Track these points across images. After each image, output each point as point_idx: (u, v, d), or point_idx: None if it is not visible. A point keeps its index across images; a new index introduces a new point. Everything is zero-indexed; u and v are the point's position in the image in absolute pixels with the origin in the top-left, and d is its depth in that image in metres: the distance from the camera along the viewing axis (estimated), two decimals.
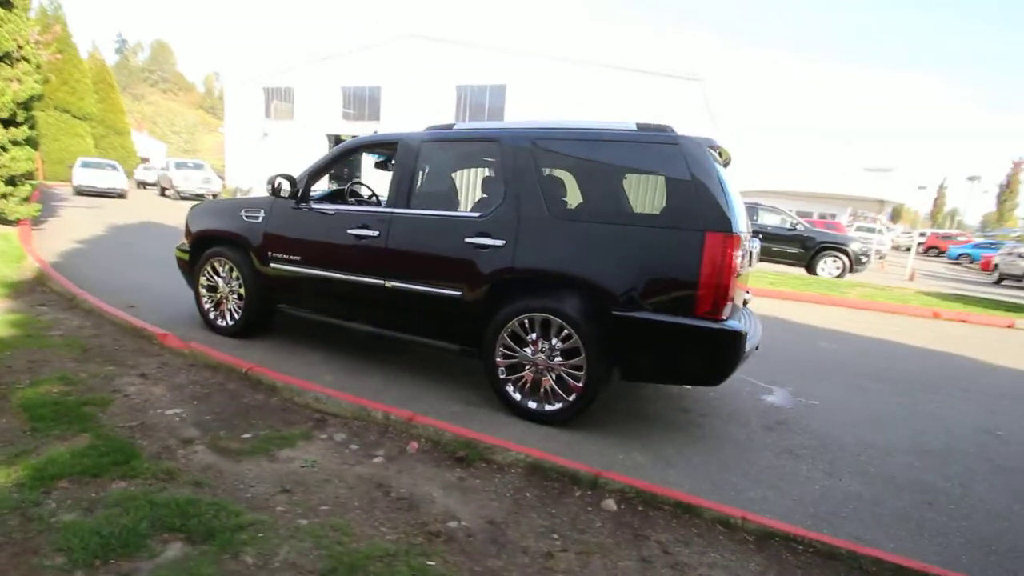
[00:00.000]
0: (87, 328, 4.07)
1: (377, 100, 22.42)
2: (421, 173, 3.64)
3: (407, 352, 4.24)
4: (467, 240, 3.22)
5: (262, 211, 4.08)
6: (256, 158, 25.61)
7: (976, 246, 26.74)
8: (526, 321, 3.10)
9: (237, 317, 4.26)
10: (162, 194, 21.45)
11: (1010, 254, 15.56)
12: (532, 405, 3.14)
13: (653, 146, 2.93)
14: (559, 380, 3.07)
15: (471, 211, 3.31)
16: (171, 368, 3.40)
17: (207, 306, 4.43)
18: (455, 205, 3.52)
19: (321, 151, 25.18)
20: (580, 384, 2.99)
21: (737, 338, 2.69)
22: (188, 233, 4.53)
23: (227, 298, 4.31)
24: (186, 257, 4.52)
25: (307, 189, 3.94)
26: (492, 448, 2.56)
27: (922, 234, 33.16)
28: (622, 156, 3.05)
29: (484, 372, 3.29)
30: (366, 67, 22.73)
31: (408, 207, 3.50)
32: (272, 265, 3.98)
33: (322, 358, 3.99)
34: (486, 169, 3.56)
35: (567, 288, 3.02)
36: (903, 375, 4.85)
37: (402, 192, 3.53)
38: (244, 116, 27.11)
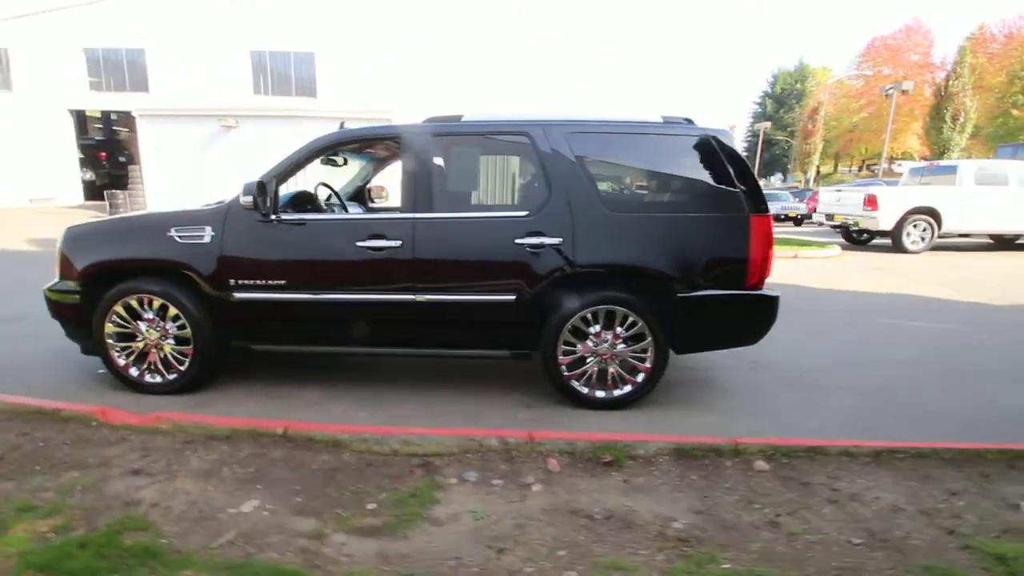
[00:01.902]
0: None
1: (141, 66, 17.88)
2: (440, 172, 3.28)
3: (404, 367, 3.87)
4: (518, 241, 3.07)
5: (208, 228, 3.20)
6: None
7: None
8: (588, 315, 3.15)
9: (181, 367, 3.33)
10: None
11: None
12: (600, 394, 3.24)
13: (687, 139, 3.18)
14: (623, 365, 3.22)
15: (516, 210, 3.14)
16: (164, 452, 2.56)
17: (123, 361, 3.35)
18: (485, 204, 3.27)
19: (62, 130, 19.46)
20: (648, 365, 3.19)
21: (775, 301, 3.19)
22: (68, 267, 3.30)
23: (158, 346, 3.32)
24: (72, 300, 3.31)
25: (277, 198, 3.21)
26: (632, 445, 2.62)
27: None
28: (659, 148, 3.23)
29: (544, 371, 3.25)
30: (121, 24, 17.81)
31: (432, 211, 3.14)
32: (239, 295, 3.19)
33: (321, 394, 3.41)
34: (512, 164, 3.38)
35: (630, 278, 3.14)
36: None
37: (421, 194, 3.15)
38: None
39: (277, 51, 17.11)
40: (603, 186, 3.19)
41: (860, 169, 49.83)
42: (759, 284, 3.15)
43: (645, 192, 3.25)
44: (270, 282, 3.18)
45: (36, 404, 2.93)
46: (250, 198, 3.00)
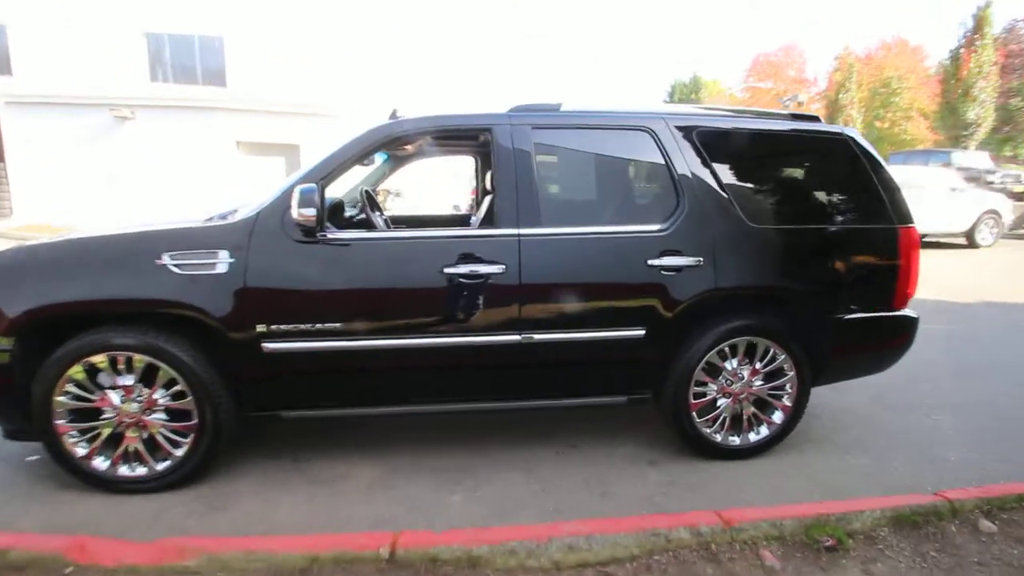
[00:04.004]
0: None
1: (1, 44, 14.58)
2: (545, 175, 2.54)
3: (451, 422, 3.08)
4: (651, 263, 2.45)
5: (223, 253, 2.24)
6: None
7: None
8: (726, 349, 2.61)
9: (178, 451, 2.33)
10: None
11: None
12: (735, 441, 2.71)
13: (822, 138, 2.74)
14: (757, 404, 2.72)
15: (645, 223, 2.50)
16: None
17: (82, 449, 2.28)
18: (601, 216, 2.59)
19: None
20: (788, 403, 2.71)
21: (916, 323, 2.85)
22: None
23: (141, 424, 2.30)
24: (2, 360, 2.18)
25: (324, 209, 2.32)
26: (845, 518, 2.09)
27: None
28: (793, 148, 2.75)
29: (668, 419, 2.67)
30: None
31: (540, 225, 2.43)
32: (272, 345, 2.27)
33: (380, 470, 2.56)
34: (627, 166, 2.72)
35: (775, 302, 2.65)
36: None
37: (526, 203, 2.42)
38: None
39: (179, 34, 14.82)
40: (739, 193, 2.66)
41: None
42: (904, 303, 2.79)
43: (784, 200, 2.76)
44: (319, 326, 2.29)
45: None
46: (312, 211, 2.11)
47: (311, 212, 2.11)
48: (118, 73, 13.70)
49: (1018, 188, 13.95)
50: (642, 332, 2.49)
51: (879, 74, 33.88)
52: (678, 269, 2.47)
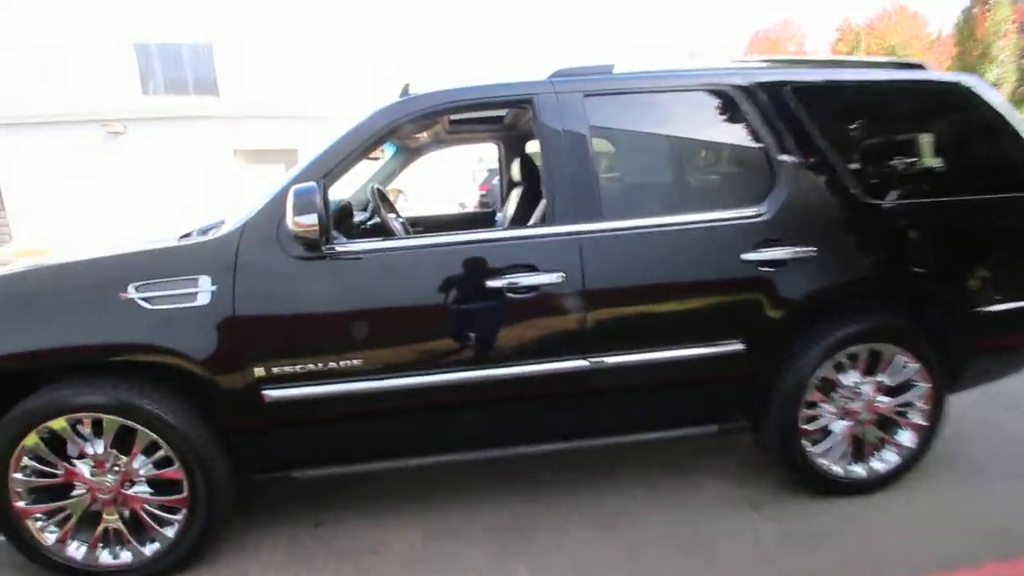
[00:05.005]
0: None
1: None
2: (604, 156, 2.02)
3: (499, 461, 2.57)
4: (747, 257, 1.93)
5: (204, 279, 1.74)
6: None
7: None
8: (843, 359, 2.08)
9: (168, 531, 1.85)
10: None
11: None
12: (859, 472, 2.17)
13: (939, 89, 2.19)
14: (882, 425, 2.19)
15: (734, 207, 1.98)
16: None
17: (52, 535, 1.82)
18: (679, 202, 2.06)
19: None
20: (924, 421, 2.17)
21: None
22: None
23: (119, 500, 1.82)
24: None
25: (330, 216, 1.81)
26: None
27: None
28: (905, 104, 2.19)
29: (773, 449, 2.15)
30: None
31: (604, 218, 1.91)
32: (275, 392, 1.77)
33: (419, 533, 2.06)
34: (701, 137, 2.19)
35: (904, 298, 2.12)
36: None
37: (584, 192, 1.90)
38: None
39: (167, 43, 14.35)
40: (847, 162, 2.10)
41: None
42: None
43: (904, 169, 2.22)
44: (333, 364, 1.79)
45: None
46: (314, 218, 1.60)
47: (312, 220, 1.61)
48: (109, 87, 13.27)
49: None
50: (740, 346, 1.96)
51: (883, 42, 32.91)
52: (781, 263, 1.94)
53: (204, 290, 1.74)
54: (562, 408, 2.01)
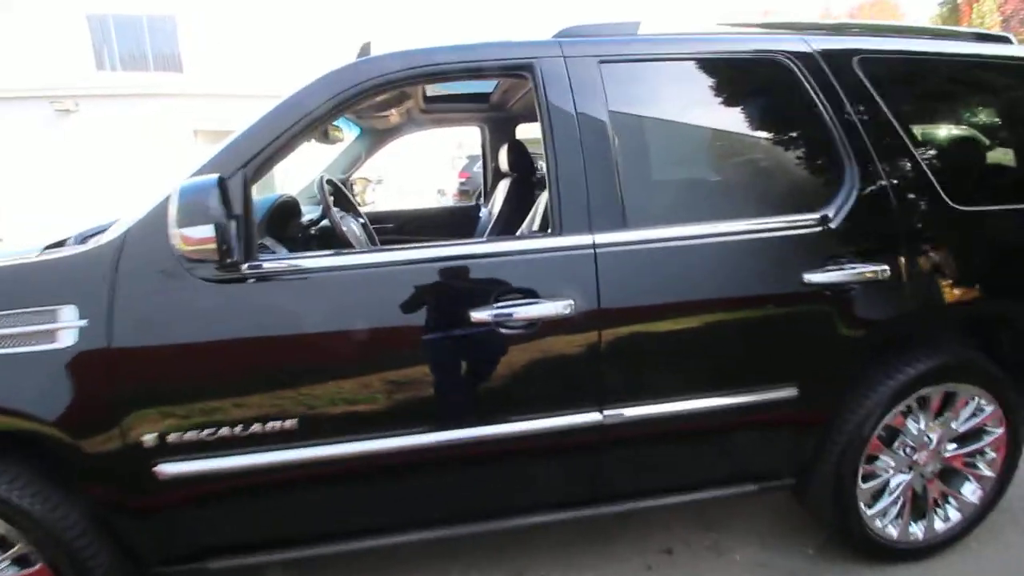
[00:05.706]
0: None
1: None
2: (628, 143, 1.52)
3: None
4: (810, 278, 1.48)
5: (69, 309, 1.23)
6: None
7: None
8: (912, 406, 1.67)
9: None
10: None
11: None
12: (918, 533, 1.78)
13: None
14: (944, 477, 1.80)
15: (792, 212, 1.52)
16: None
17: None
18: (721, 205, 1.58)
19: None
20: (989, 471, 1.79)
21: None
22: None
23: None
24: None
25: (251, 220, 1.30)
26: None
27: None
28: (998, 86, 1.77)
29: (824, 512, 1.75)
30: None
31: (625, 226, 1.43)
32: (171, 468, 1.27)
33: None
34: (754, 119, 1.70)
35: (991, 328, 1.71)
36: None
37: (601, 191, 1.42)
38: None
39: (125, 15, 13.24)
40: (934, 157, 1.67)
41: None
42: None
43: (999, 167, 1.80)
44: (256, 428, 1.29)
45: None
46: (208, 230, 1.09)
47: (205, 232, 1.10)
48: (57, 61, 12.21)
49: None
50: (793, 392, 1.53)
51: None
52: (852, 287, 1.51)
53: (68, 325, 1.23)
54: (566, 472, 1.56)
